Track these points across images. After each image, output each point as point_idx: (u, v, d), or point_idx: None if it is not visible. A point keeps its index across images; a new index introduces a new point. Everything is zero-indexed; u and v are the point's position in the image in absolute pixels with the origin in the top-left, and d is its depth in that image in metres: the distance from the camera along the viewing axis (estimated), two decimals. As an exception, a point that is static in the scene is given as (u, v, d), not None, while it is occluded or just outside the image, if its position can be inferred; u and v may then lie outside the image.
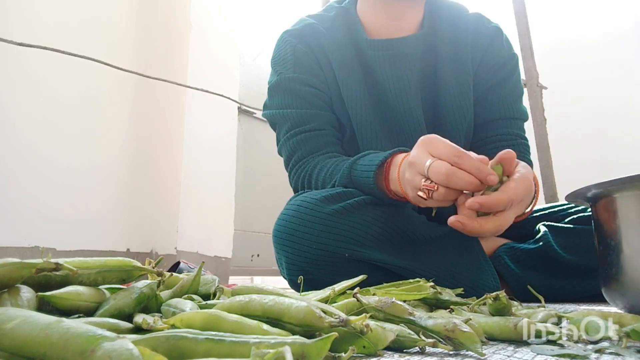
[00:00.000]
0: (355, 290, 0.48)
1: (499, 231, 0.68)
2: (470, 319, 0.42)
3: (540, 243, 0.96)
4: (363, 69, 1.01)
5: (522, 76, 2.11)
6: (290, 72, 1.02)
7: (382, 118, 1.00)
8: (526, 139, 1.05)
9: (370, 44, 1.01)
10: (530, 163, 1.03)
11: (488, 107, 1.03)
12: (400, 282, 0.65)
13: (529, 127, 1.11)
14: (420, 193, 0.69)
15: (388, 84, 1.00)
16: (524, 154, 1.02)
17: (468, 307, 0.57)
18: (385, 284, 0.64)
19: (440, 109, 1.01)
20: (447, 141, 0.69)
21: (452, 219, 0.68)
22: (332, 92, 1.02)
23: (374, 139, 0.99)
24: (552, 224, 1.00)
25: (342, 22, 1.05)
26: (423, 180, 0.69)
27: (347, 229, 0.82)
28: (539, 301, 0.77)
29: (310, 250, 0.82)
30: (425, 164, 0.67)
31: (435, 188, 0.67)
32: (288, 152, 1.02)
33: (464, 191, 0.68)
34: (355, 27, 1.04)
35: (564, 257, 0.93)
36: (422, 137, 0.71)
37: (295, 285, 0.86)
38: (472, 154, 0.67)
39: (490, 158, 0.72)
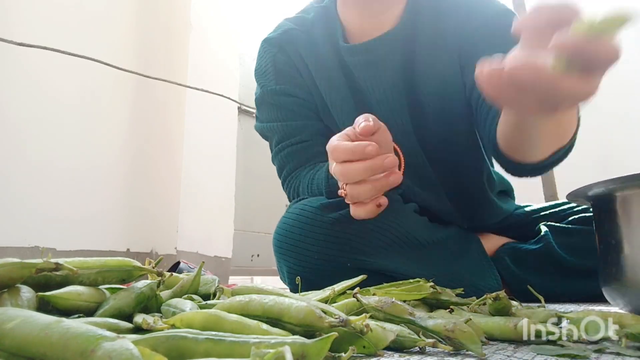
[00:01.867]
0: (355, 290, 0.48)
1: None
2: (470, 319, 0.42)
3: (541, 243, 0.96)
4: (345, 75, 0.97)
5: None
6: (272, 83, 1.00)
7: None
8: None
9: (348, 50, 0.96)
10: None
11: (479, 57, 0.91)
12: (400, 282, 0.65)
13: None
14: (347, 200, 0.70)
15: (369, 89, 0.96)
16: None
17: (468, 307, 0.57)
18: (385, 284, 0.64)
19: (423, 105, 0.95)
20: (329, 144, 0.69)
21: None
22: (316, 99, 1.00)
23: None
24: (553, 224, 1.00)
25: (321, 25, 1.00)
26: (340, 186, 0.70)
27: (349, 237, 0.80)
28: (539, 301, 0.77)
29: (312, 260, 0.81)
30: (332, 169, 0.68)
31: (344, 192, 0.68)
32: (278, 165, 1.03)
33: None
34: (334, 29, 0.99)
35: (564, 257, 0.93)
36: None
37: (296, 292, 0.86)
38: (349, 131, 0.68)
39: None
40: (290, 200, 1.02)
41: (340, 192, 0.69)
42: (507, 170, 0.83)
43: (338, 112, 0.98)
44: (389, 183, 0.67)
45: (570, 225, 0.98)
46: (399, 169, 0.71)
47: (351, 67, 0.97)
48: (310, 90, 1.00)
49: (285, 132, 0.99)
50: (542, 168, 0.78)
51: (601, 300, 0.70)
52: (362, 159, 0.64)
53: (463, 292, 0.68)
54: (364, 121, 0.67)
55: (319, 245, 0.81)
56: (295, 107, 0.99)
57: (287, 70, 1.01)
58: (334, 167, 0.68)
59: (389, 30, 0.95)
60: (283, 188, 1.04)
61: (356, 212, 0.72)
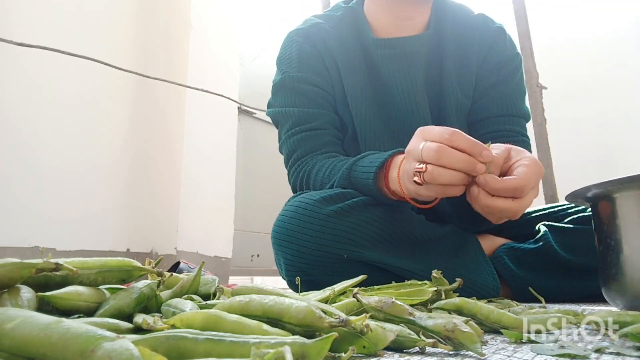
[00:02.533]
0: (355, 290, 0.48)
1: (513, 214, 0.67)
2: (470, 320, 0.42)
3: (540, 243, 0.96)
4: (368, 68, 1.02)
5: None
6: (294, 71, 1.03)
7: (386, 118, 1.01)
8: (527, 137, 1.05)
9: (377, 42, 1.02)
10: None
11: (490, 103, 1.03)
12: (401, 283, 0.65)
13: (529, 127, 1.10)
14: (415, 178, 0.68)
15: (394, 82, 1.00)
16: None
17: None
18: (385, 285, 0.64)
19: (444, 108, 1.01)
20: (441, 127, 0.68)
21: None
22: (335, 92, 1.03)
23: (376, 139, 0.99)
24: (552, 223, 1.00)
25: (349, 22, 1.06)
26: (416, 164, 0.68)
27: (345, 229, 0.82)
28: (539, 301, 0.77)
29: (309, 251, 0.82)
30: (419, 147, 0.67)
31: (425, 169, 0.66)
32: (288, 150, 1.02)
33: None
34: (361, 26, 1.05)
35: (564, 257, 0.93)
36: (418, 128, 0.72)
37: (294, 286, 0.86)
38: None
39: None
40: (294, 187, 1.02)
41: (417, 167, 0.68)
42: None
43: (355, 103, 1.00)
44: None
45: (569, 225, 0.98)
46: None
47: (378, 60, 1.02)
48: (332, 81, 1.03)
49: (301, 117, 1.00)
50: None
51: (601, 300, 0.70)
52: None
53: (459, 287, 0.68)
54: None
55: (315, 237, 0.81)
56: (313, 96, 1.01)
57: (311, 60, 1.03)
58: (424, 144, 0.67)
59: (418, 34, 1.02)
60: (289, 174, 1.04)
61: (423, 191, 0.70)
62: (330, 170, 0.92)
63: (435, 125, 0.97)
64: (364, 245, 0.82)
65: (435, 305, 0.55)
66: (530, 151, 1.04)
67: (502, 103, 1.02)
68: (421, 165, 0.67)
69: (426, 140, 0.68)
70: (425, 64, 1.01)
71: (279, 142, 1.06)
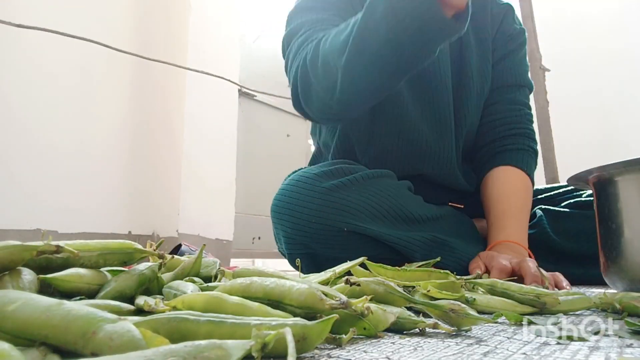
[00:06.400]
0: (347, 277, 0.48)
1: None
2: (475, 299, 0.42)
3: (535, 229, 0.97)
4: None
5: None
6: (310, 1, 0.95)
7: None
8: (530, 108, 1.10)
9: None
10: (532, 132, 1.07)
11: (501, 73, 1.08)
12: (428, 269, 0.62)
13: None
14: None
15: None
16: (526, 125, 1.06)
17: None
18: (410, 268, 0.62)
19: (465, 76, 1.03)
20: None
21: None
22: None
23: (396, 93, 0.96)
24: (549, 207, 1.00)
25: None
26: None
27: (345, 202, 0.83)
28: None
29: (309, 225, 0.83)
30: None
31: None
32: (297, 46, 0.90)
33: None
34: None
35: (558, 242, 0.94)
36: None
37: (293, 261, 0.87)
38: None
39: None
40: (295, 79, 0.89)
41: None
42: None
43: None
44: None
45: (565, 209, 0.99)
46: None
47: None
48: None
49: (314, 21, 0.91)
50: None
51: (597, 284, 0.70)
52: None
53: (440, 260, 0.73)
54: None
55: (315, 210, 0.82)
56: (328, 12, 0.93)
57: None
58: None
59: None
60: (290, 70, 0.92)
61: None
62: (347, 23, 0.78)
63: (456, 84, 1.02)
64: (363, 219, 0.83)
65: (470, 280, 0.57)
66: (532, 122, 1.09)
67: (512, 73, 1.08)
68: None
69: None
70: None
71: (285, 66, 0.96)
